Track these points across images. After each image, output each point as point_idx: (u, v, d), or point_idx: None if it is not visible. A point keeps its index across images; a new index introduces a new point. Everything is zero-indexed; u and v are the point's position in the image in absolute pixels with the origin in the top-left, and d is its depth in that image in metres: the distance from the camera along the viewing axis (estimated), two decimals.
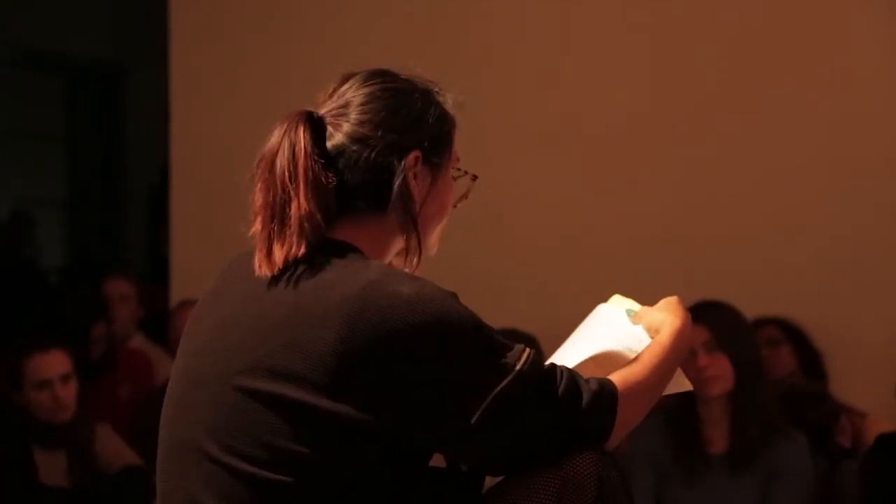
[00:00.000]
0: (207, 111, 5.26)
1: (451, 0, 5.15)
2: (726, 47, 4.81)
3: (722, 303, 3.69)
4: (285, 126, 1.88)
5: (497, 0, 5.08)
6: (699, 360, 3.58)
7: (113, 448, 4.12)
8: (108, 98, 8.08)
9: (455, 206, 1.99)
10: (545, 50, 4.97)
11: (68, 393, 4.03)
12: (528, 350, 1.80)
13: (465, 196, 2.00)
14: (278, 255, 1.82)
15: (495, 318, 4.54)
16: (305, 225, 1.81)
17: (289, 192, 1.83)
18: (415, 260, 1.90)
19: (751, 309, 3.77)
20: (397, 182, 1.86)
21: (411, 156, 1.88)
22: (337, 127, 1.89)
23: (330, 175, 1.85)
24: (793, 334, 4.48)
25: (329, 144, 1.88)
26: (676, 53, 4.86)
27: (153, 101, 6.53)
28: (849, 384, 4.45)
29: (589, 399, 1.80)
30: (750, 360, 3.63)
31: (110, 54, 7.93)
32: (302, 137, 1.85)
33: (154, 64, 6.09)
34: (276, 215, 1.84)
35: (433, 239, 1.97)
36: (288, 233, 1.82)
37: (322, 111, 1.91)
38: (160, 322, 5.42)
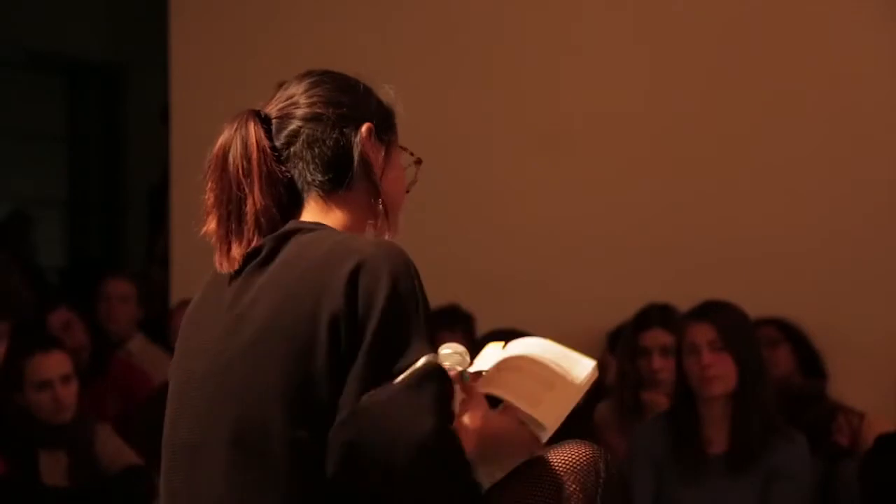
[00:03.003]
0: (207, 111, 5.26)
1: (452, 2, 5.15)
2: (725, 47, 4.82)
3: (728, 303, 3.70)
4: (235, 124, 1.92)
5: (499, 3, 5.08)
6: (704, 359, 3.59)
7: (113, 448, 4.12)
8: (108, 98, 8.08)
9: (408, 192, 2.02)
10: (547, 53, 4.97)
11: (69, 393, 4.03)
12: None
13: (414, 181, 2.03)
14: (236, 251, 1.86)
15: (495, 318, 4.58)
16: (261, 220, 1.85)
17: (243, 188, 1.87)
18: (386, 225, 1.93)
19: (750, 309, 3.77)
20: (357, 150, 1.89)
21: (364, 126, 1.91)
22: (289, 116, 1.92)
23: (283, 169, 1.88)
24: (792, 334, 4.48)
25: (282, 135, 1.91)
26: (676, 54, 4.86)
27: (153, 101, 6.53)
28: (848, 384, 4.45)
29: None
30: (753, 360, 3.63)
31: (110, 54, 7.92)
32: (253, 133, 1.89)
33: (154, 64, 6.08)
34: (233, 213, 1.89)
35: (398, 220, 1.99)
36: (245, 229, 1.86)
37: (268, 109, 1.95)
38: (160, 322, 5.42)
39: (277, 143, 1.91)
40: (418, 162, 2.03)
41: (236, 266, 1.86)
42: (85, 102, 8.04)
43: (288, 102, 1.94)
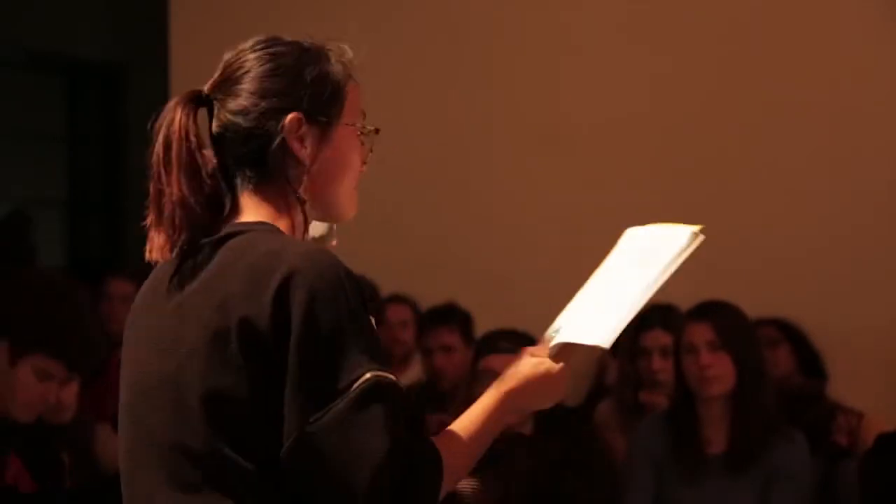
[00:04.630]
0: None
1: (452, 2, 5.15)
2: (725, 48, 4.82)
3: (726, 302, 3.70)
4: (167, 109, 1.88)
5: (499, 3, 5.08)
6: (702, 359, 3.59)
7: (113, 448, 4.10)
8: (108, 98, 8.07)
9: (364, 164, 1.93)
10: (547, 53, 4.97)
11: (69, 393, 4.03)
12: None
13: (370, 150, 1.93)
14: (156, 242, 1.81)
15: (494, 317, 4.58)
16: (178, 211, 1.79)
17: (162, 178, 1.81)
18: (302, 224, 1.86)
19: (750, 309, 3.77)
20: (273, 145, 1.82)
21: (289, 117, 1.83)
22: (221, 103, 1.87)
23: (207, 155, 1.83)
24: (791, 334, 4.48)
25: (215, 124, 1.87)
26: (676, 55, 4.86)
27: (153, 101, 6.51)
28: (847, 384, 4.45)
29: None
30: (752, 360, 3.63)
31: (110, 54, 7.92)
32: (178, 120, 1.86)
33: (154, 64, 6.08)
34: (155, 204, 1.82)
35: (342, 199, 1.91)
36: (164, 220, 1.81)
37: (208, 87, 1.91)
38: None
39: (214, 129, 1.87)
40: (375, 131, 1.92)
41: (159, 257, 1.82)
42: (85, 102, 8.04)
43: (222, 85, 1.89)
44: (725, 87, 4.80)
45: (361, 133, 1.90)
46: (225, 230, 1.81)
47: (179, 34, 5.39)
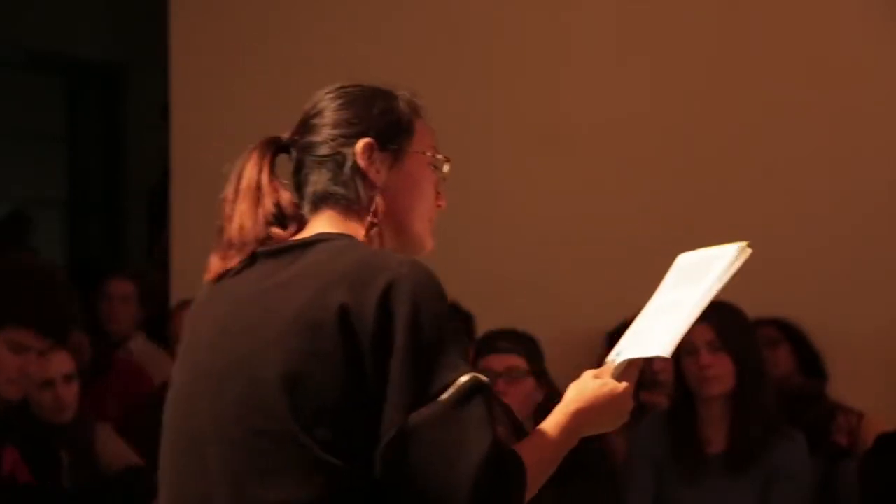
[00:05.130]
0: (207, 111, 5.27)
1: (452, 2, 5.15)
2: (725, 50, 4.82)
3: (726, 302, 3.70)
4: (245, 153, 2.00)
5: (499, 3, 5.08)
6: (702, 359, 3.59)
7: (113, 448, 4.12)
8: (108, 98, 8.08)
9: (439, 195, 2.03)
10: (547, 53, 4.97)
11: (70, 393, 4.04)
12: None
13: (443, 179, 2.04)
14: (214, 266, 1.96)
15: (495, 317, 4.58)
16: (239, 235, 1.92)
17: (229, 210, 1.96)
18: (392, 240, 1.96)
19: (750, 309, 3.77)
20: (347, 168, 1.94)
21: (361, 142, 1.94)
22: (299, 143, 1.99)
23: (282, 191, 1.95)
24: (792, 334, 4.48)
25: (294, 161, 1.99)
26: (675, 55, 4.86)
27: (153, 101, 6.53)
28: (847, 384, 4.45)
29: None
30: (752, 360, 3.63)
31: (110, 54, 7.93)
32: (251, 158, 1.98)
33: (154, 64, 6.08)
34: (221, 232, 1.96)
35: (417, 227, 1.99)
36: (226, 244, 1.94)
37: (288, 134, 2.02)
38: (160, 322, 5.42)
39: (294, 165, 1.99)
40: (446, 160, 2.03)
41: (212, 276, 1.95)
42: (85, 102, 8.05)
43: (301, 128, 2.01)
44: (725, 87, 4.80)
45: (433, 163, 2.01)
46: (312, 237, 1.91)
47: (179, 34, 5.38)
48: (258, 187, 1.93)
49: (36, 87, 7.91)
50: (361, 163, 1.93)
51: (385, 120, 1.98)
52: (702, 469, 3.65)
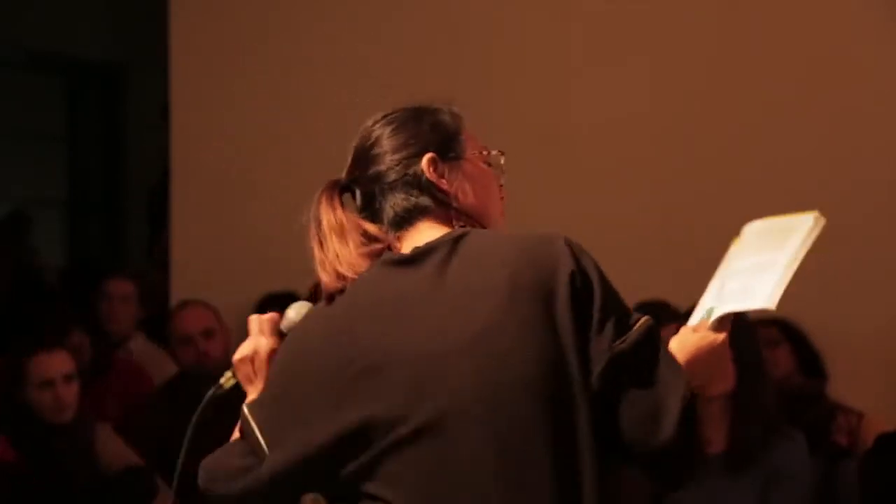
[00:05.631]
0: (207, 111, 5.27)
1: (452, 2, 5.15)
2: (725, 49, 4.82)
3: None
4: (314, 200, 2.09)
5: (499, 3, 5.08)
6: None
7: (113, 448, 4.12)
8: (108, 98, 8.08)
9: (501, 186, 2.25)
10: (547, 53, 4.97)
11: (70, 393, 4.04)
12: None
13: (501, 171, 2.27)
14: (328, 280, 2.02)
15: None
16: (338, 269, 2.02)
17: (320, 251, 2.04)
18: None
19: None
20: (420, 181, 2.07)
21: (425, 158, 2.08)
22: (362, 177, 2.08)
23: (360, 220, 2.05)
24: (792, 334, 4.48)
25: (361, 195, 2.08)
26: (676, 56, 4.86)
27: (153, 101, 6.53)
28: (847, 384, 4.45)
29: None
30: (752, 360, 3.63)
31: (110, 54, 7.93)
32: (321, 201, 2.06)
33: (154, 64, 6.09)
34: (320, 269, 2.04)
35: (494, 219, 2.22)
36: (323, 271, 2.04)
37: (345, 174, 2.11)
38: (160, 322, 5.42)
39: (362, 200, 2.09)
40: (500, 154, 2.25)
41: (340, 285, 2.01)
42: (85, 102, 8.05)
43: (359, 164, 2.10)
44: (725, 87, 4.80)
45: (488, 160, 2.21)
46: (452, 234, 2.03)
47: (179, 34, 5.38)
48: (340, 225, 2.04)
49: (36, 87, 7.91)
50: (431, 177, 2.06)
51: (437, 134, 2.12)
52: (701, 469, 3.65)
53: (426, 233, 2.05)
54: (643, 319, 1.98)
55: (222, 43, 5.33)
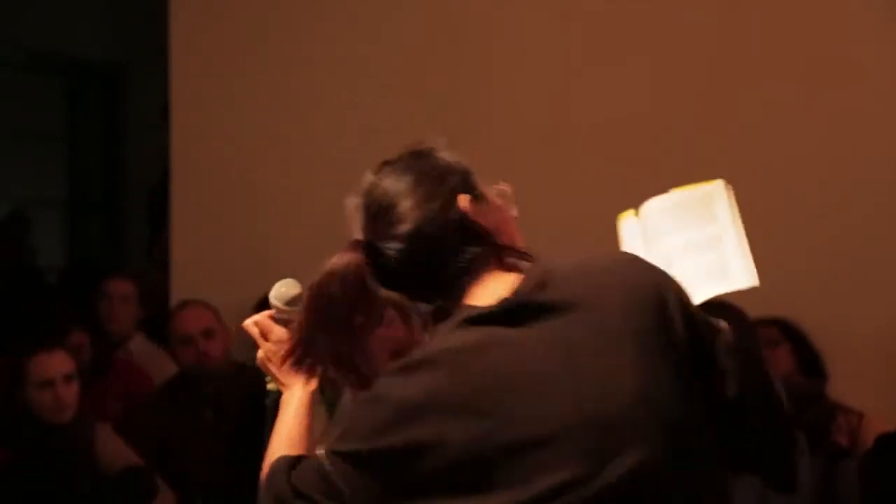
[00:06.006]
0: (207, 111, 5.27)
1: (452, 2, 5.15)
2: (725, 49, 4.82)
3: (727, 302, 3.69)
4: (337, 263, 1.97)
5: (499, 3, 5.08)
6: None
7: (113, 448, 4.12)
8: (108, 98, 8.09)
9: (516, 217, 2.11)
10: (547, 53, 4.97)
11: (70, 393, 4.04)
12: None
13: (513, 202, 2.14)
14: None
15: None
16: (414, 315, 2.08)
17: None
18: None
19: (750, 309, 3.77)
20: (463, 225, 1.95)
21: (461, 201, 1.97)
22: (385, 238, 1.95)
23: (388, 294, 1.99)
24: (792, 334, 4.48)
25: (391, 254, 1.95)
26: (675, 55, 4.86)
27: (153, 101, 6.53)
28: (847, 384, 4.45)
29: None
30: (752, 360, 3.62)
31: (110, 54, 7.93)
32: (351, 261, 1.95)
33: (154, 64, 6.09)
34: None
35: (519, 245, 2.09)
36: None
37: (365, 235, 1.97)
38: (160, 322, 5.42)
39: (390, 255, 1.95)
40: (505, 184, 2.12)
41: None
42: (85, 102, 8.05)
43: (378, 224, 1.97)
44: (725, 86, 4.80)
45: (499, 192, 2.08)
46: (531, 280, 1.91)
47: (179, 34, 5.38)
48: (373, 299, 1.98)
49: (36, 87, 7.91)
50: (474, 218, 1.96)
51: (454, 175, 2.01)
52: None
53: (493, 285, 1.93)
54: (723, 327, 2.11)
55: (222, 43, 5.33)
